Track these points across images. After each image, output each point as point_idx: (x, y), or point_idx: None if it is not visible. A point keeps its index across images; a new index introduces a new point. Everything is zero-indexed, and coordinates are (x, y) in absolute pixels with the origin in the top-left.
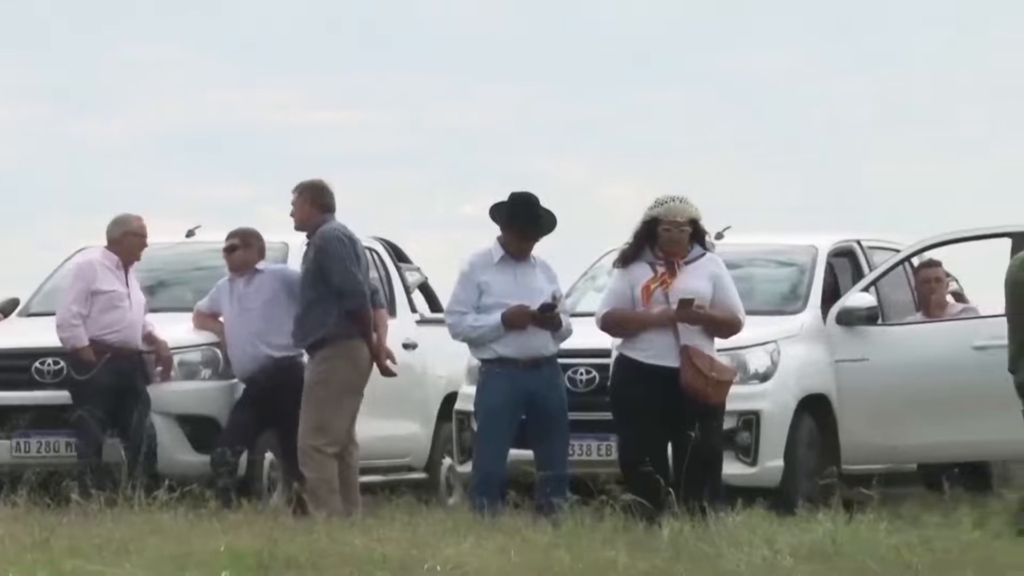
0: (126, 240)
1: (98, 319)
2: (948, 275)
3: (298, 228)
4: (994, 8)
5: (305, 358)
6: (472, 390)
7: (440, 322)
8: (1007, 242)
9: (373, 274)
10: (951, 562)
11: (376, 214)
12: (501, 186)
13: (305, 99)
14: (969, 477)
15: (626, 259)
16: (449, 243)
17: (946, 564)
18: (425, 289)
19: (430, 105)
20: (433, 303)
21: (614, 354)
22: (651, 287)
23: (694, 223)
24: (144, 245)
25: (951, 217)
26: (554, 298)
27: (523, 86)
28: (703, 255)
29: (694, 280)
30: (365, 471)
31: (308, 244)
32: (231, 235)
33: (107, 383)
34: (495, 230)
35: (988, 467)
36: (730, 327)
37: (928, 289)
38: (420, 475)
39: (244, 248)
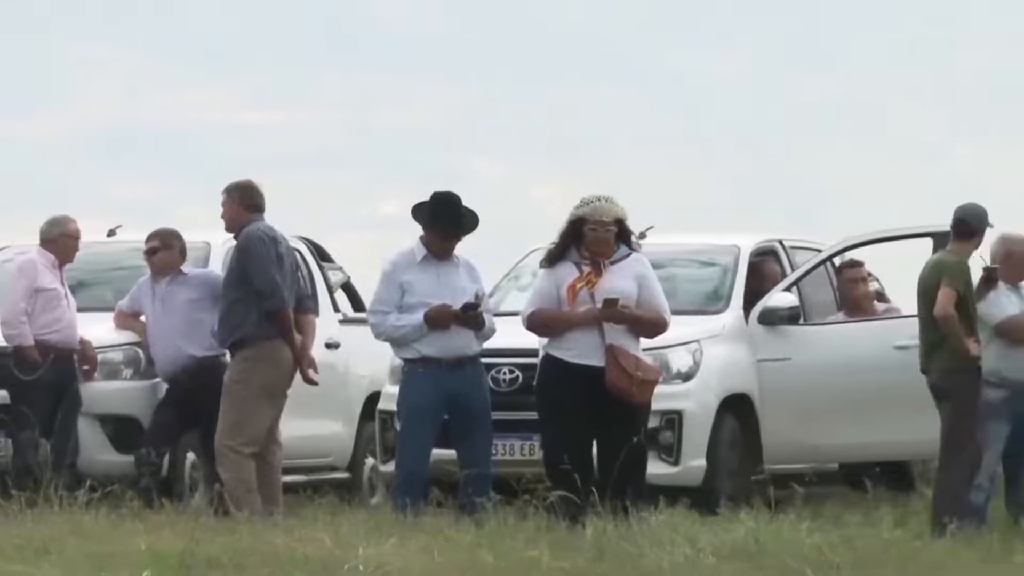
0: (61, 240)
1: (39, 318)
2: (870, 275)
3: (228, 229)
4: (924, 9)
5: (228, 358)
6: (395, 390)
7: (363, 322)
8: (928, 242)
9: (298, 274)
10: (872, 561)
11: (305, 214)
12: (425, 185)
13: (234, 99)
14: (891, 476)
15: (552, 259)
16: (372, 243)
17: (867, 563)
18: (348, 289)
19: (359, 105)
20: (356, 303)
21: (541, 353)
22: (577, 287)
23: (620, 223)
24: (77, 248)
25: (872, 217)
26: (477, 297)
27: (449, 85)
28: (629, 255)
29: (620, 280)
30: (287, 471)
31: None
32: (151, 236)
33: (49, 382)
34: (418, 229)
35: (909, 466)
36: (655, 327)
37: (850, 289)
38: (343, 475)
39: (165, 250)
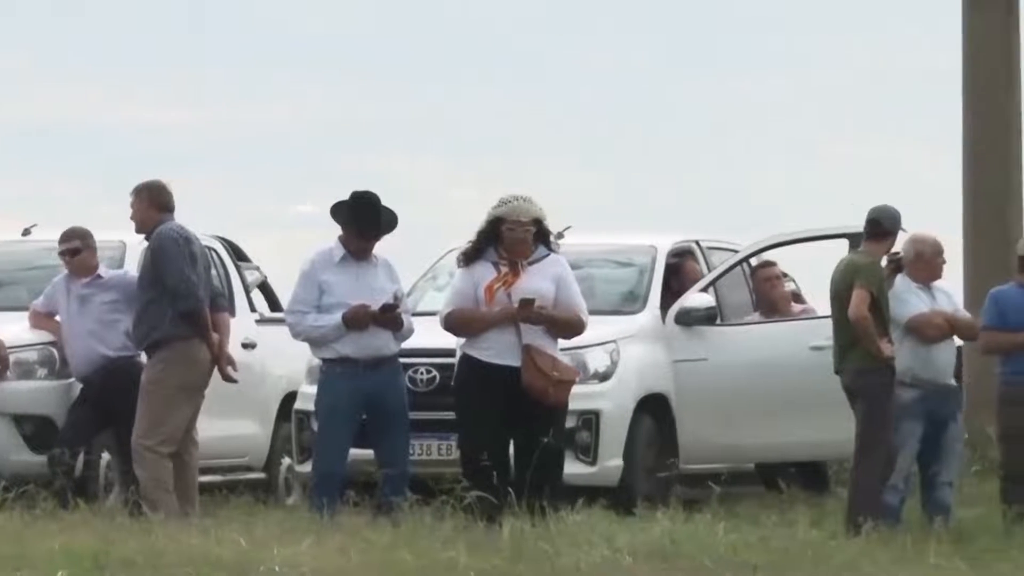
0: None
1: None
2: (785, 276)
3: (138, 230)
4: (825, 10)
5: (144, 358)
6: (312, 390)
7: (280, 321)
8: (844, 243)
9: (213, 273)
10: (788, 561)
11: (213, 213)
12: (341, 185)
13: (143, 98)
14: (806, 477)
15: (470, 259)
16: (286, 242)
17: (783, 563)
18: (264, 288)
19: (271, 103)
20: (272, 302)
21: (458, 353)
22: (494, 287)
23: (538, 223)
24: None
25: (790, 217)
26: (395, 298)
27: (368, 84)
28: (547, 255)
29: (537, 280)
30: (203, 471)
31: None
32: (70, 236)
33: None
34: (335, 229)
35: (824, 467)
36: (572, 327)
37: (766, 290)
38: (259, 475)
39: (87, 250)
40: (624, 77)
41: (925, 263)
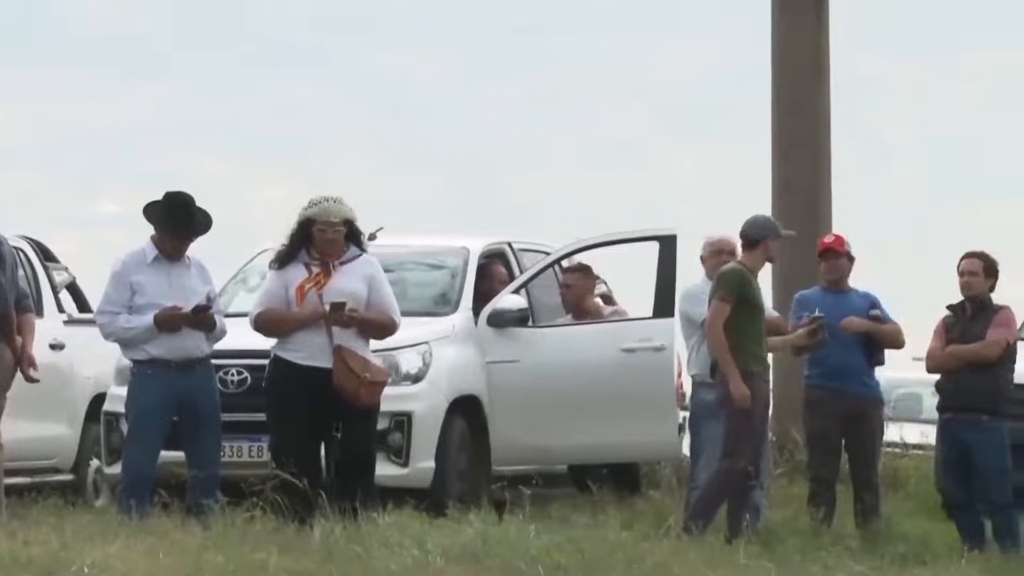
0: None
1: None
2: (597, 278)
3: None
4: (623, 12)
5: None
6: (122, 391)
7: (89, 322)
8: (655, 245)
9: (20, 274)
10: (599, 562)
11: (18, 213)
12: (151, 185)
13: None
14: (618, 478)
15: (281, 260)
16: (94, 242)
17: (594, 564)
18: (73, 289)
19: (75, 103)
20: (81, 303)
21: (271, 355)
22: (306, 288)
23: (349, 223)
24: None
25: (602, 220)
26: (208, 299)
27: (175, 84)
28: (359, 256)
29: (349, 281)
30: (10, 473)
31: None
32: None
33: None
34: (146, 229)
35: (636, 468)
36: (384, 329)
37: (577, 291)
38: (67, 477)
39: None
40: (439, 78)
41: (723, 263)
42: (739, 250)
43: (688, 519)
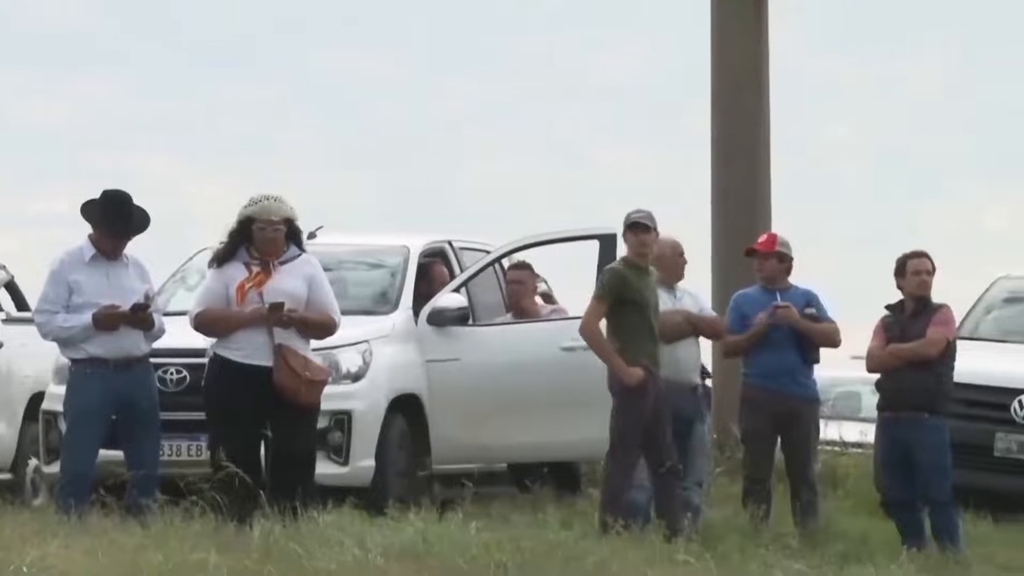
0: None
1: None
2: (537, 276)
3: None
4: (566, 12)
5: None
6: (60, 390)
7: (27, 321)
8: (595, 244)
9: None
10: (539, 561)
11: None
12: (89, 183)
13: None
14: (559, 477)
15: (221, 259)
16: (32, 241)
17: (534, 563)
18: (11, 288)
19: (14, 101)
20: (19, 302)
21: (210, 353)
22: (246, 287)
23: (289, 222)
24: None
25: (544, 219)
26: (147, 297)
27: (116, 82)
28: (299, 255)
29: (289, 280)
30: None
31: None
32: None
33: None
34: (84, 228)
35: (577, 467)
36: (324, 328)
37: (517, 290)
38: (5, 476)
39: None
40: (379, 77)
41: (664, 264)
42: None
43: (600, 514)
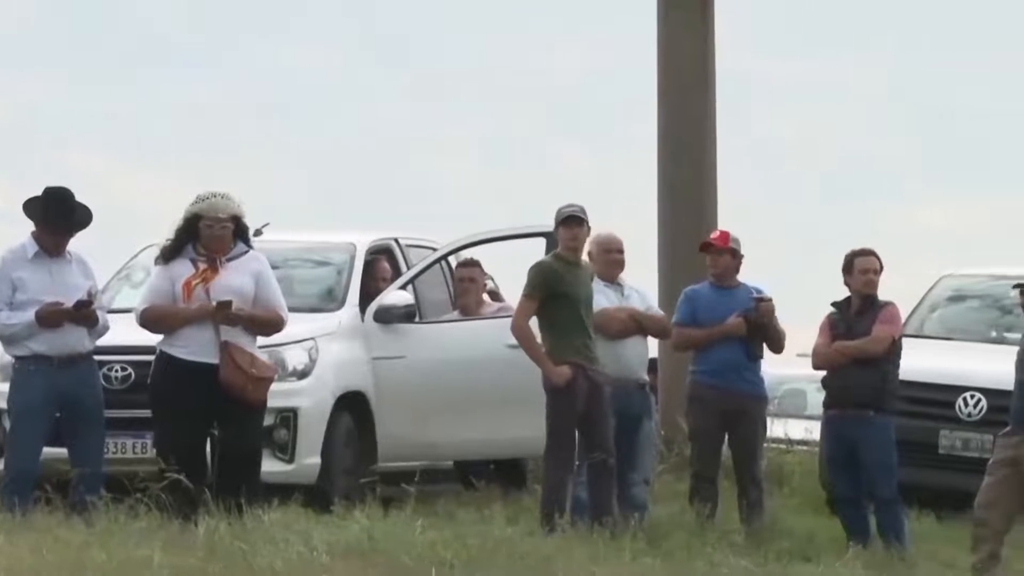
0: None
1: None
2: (484, 274)
3: None
4: (515, 10)
5: None
6: (4, 387)
7: None
8: (542, 241)
9: None
10: (484, 558)
11: None
12: (31, 181)
13: None
14: (505, 474)
15: (168, 255)
16: None
17: (479, 560)
18: None
19: None
20: None
21: (156, 351)
22: (193, 284)
23: (236, 219)
24: None
25: (491, 217)
26: (90, 294)
27: (56, 79)
28: (246, 252)
29: (236, 277)
30: None
31: None
32: None
33: None
34: (29, 225)
35: (523, 464)
36: (272, 325)
37: (464, 287)
38: None
39: None
40: (326, 73)
41: (607, 261)
42: (623, 247)
43: (541, 509)
